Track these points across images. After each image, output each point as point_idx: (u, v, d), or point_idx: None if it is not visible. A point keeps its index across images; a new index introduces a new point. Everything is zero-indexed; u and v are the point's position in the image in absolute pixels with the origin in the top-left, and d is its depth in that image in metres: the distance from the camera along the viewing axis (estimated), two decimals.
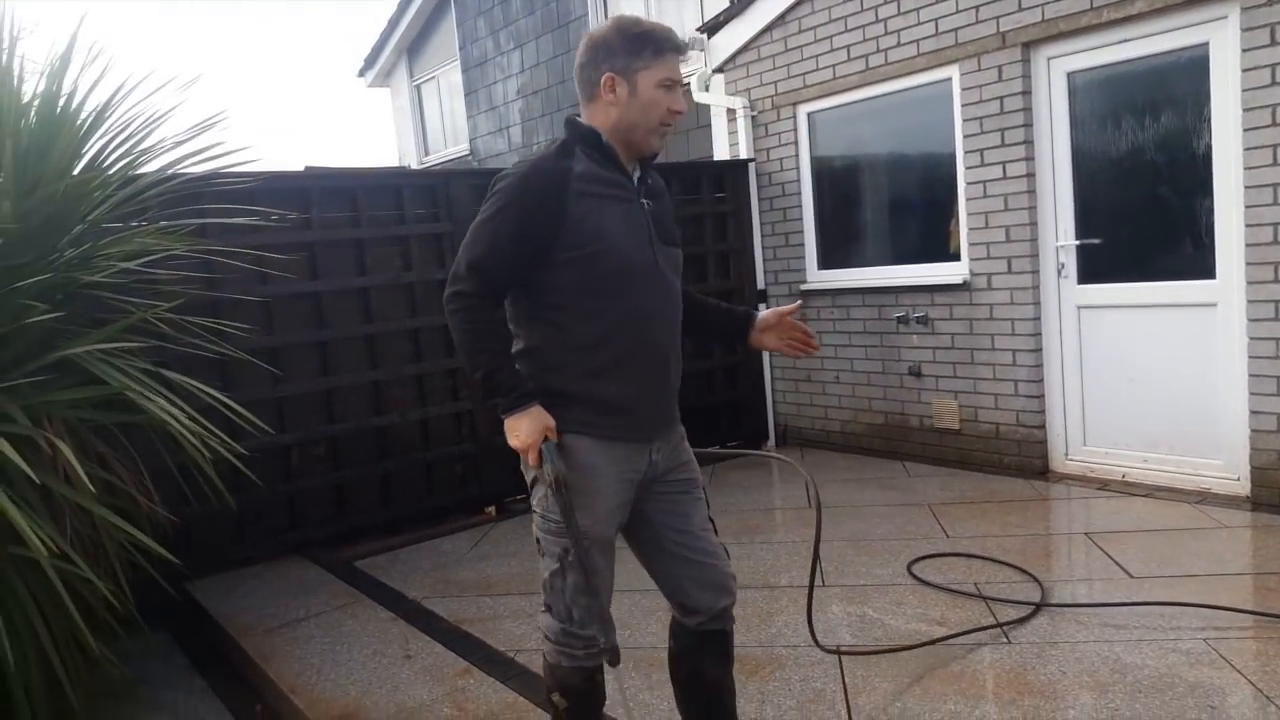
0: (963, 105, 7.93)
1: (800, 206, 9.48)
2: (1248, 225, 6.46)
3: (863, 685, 4.45)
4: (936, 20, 7.95)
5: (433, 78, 18.24)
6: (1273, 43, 6.22)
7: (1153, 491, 7.08)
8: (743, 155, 9.77)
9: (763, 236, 9.85)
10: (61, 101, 4.79)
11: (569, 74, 10.43)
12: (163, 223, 5.68)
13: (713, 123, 10.27)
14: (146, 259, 5.24)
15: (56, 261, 4.71)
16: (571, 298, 3.22)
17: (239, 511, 6.26)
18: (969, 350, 8.20)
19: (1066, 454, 7.79)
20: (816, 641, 4.72)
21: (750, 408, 9.85)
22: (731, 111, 9.84)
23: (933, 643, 4.81)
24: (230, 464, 5.00)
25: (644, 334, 3.28)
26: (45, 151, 4.65)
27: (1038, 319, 7.71)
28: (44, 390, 4.29)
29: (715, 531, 3.59)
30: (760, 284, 9.84)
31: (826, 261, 9.42)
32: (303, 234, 7.03)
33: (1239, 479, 6.80)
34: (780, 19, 9.22)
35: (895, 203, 8.93)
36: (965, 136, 7.95)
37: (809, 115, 9.29)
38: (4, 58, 4.64)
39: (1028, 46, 7.44)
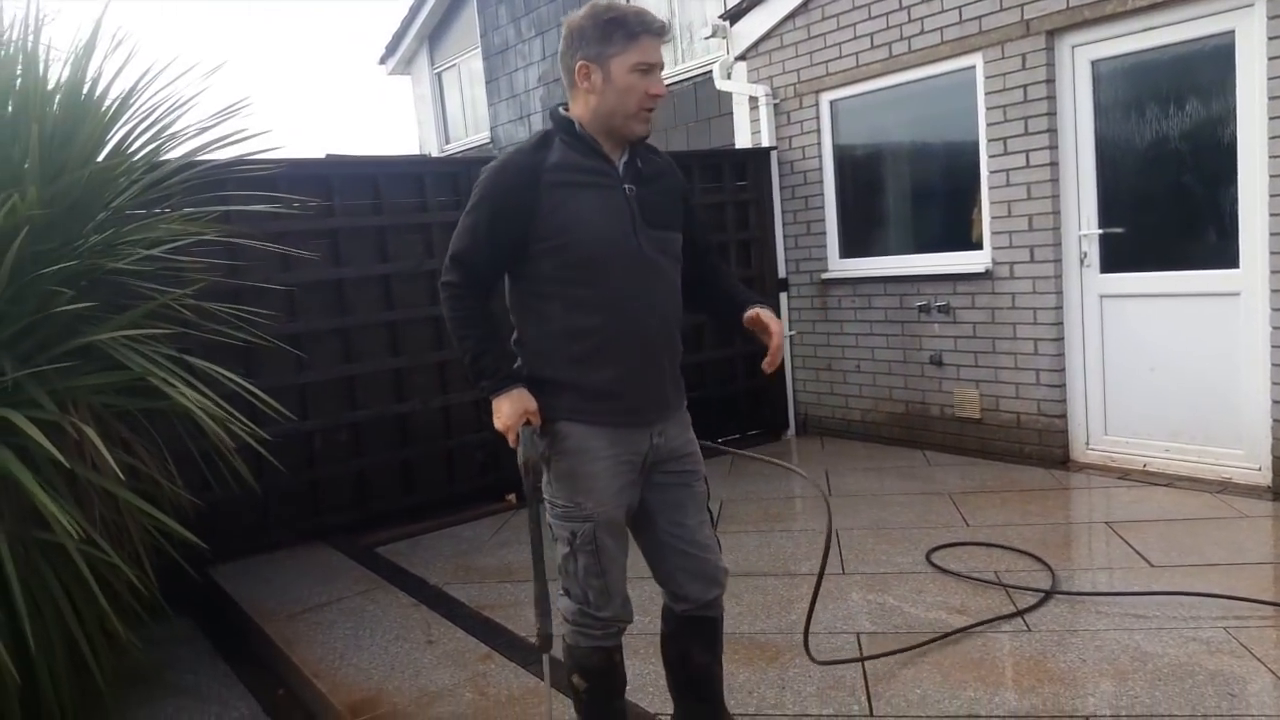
0: (986, 93, 7.90)
1: (822, 195, 9.46)
2: (1271, 214, 6.42)
3: (882, 672, 4.46)
4: (960, 8, 7.92)
5: (454, 65, 18.25)
6: None
7: (1174, 481, 7.06)
8: (765, 143, 9.75)
9: (784, 225, 9.84)
10: (86, 88, 4.80)
11: None
12: (186, 209, 5.70)
13: (734, 110, 10.26)
14: (170, 245, 5.25)
15: (81, 248, 4.72)
16: (552, 286, 3.27)
17: (262, 497, 6.31)
18: (990, 339, 8.17)
19: (1087, 443, 7.76)
20: (810, 654, 4.71)
21: (770, 396, 9.84)
22: (754, 99, 9.83)
23: (950, 634, 4.82)
24: (253, 450, 5.01)
25: (626, 319, 3.29)
26: (70, 138, 4.66)
27: (1060, 308, 7.69)
28: (69, 376, 4.31)
29: (714, 523, 3.65)
30: (782, 272, 9.83)
31: (848, 250, 9.41)
32: (325, 221, 7.07)
33: (1260, 469, 6.77)
34: (803, 6, 9.19)
35: (917, 191, 8.92)
36: (988, 125, 7.92)
37: (831, 103, 9.27)
38: (29, 43, 4.66)
39: (1052, 34, 7.41)
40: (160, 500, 4.71)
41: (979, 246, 8.23)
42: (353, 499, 7.35)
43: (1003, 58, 7.70)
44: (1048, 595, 5.17)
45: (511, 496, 7.80)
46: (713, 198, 9.38)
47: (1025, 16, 7.50)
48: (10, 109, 4.57)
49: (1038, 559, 5.69)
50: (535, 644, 3.51)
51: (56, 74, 4.78)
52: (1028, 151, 7.65)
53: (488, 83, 16.53)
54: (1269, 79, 6.34)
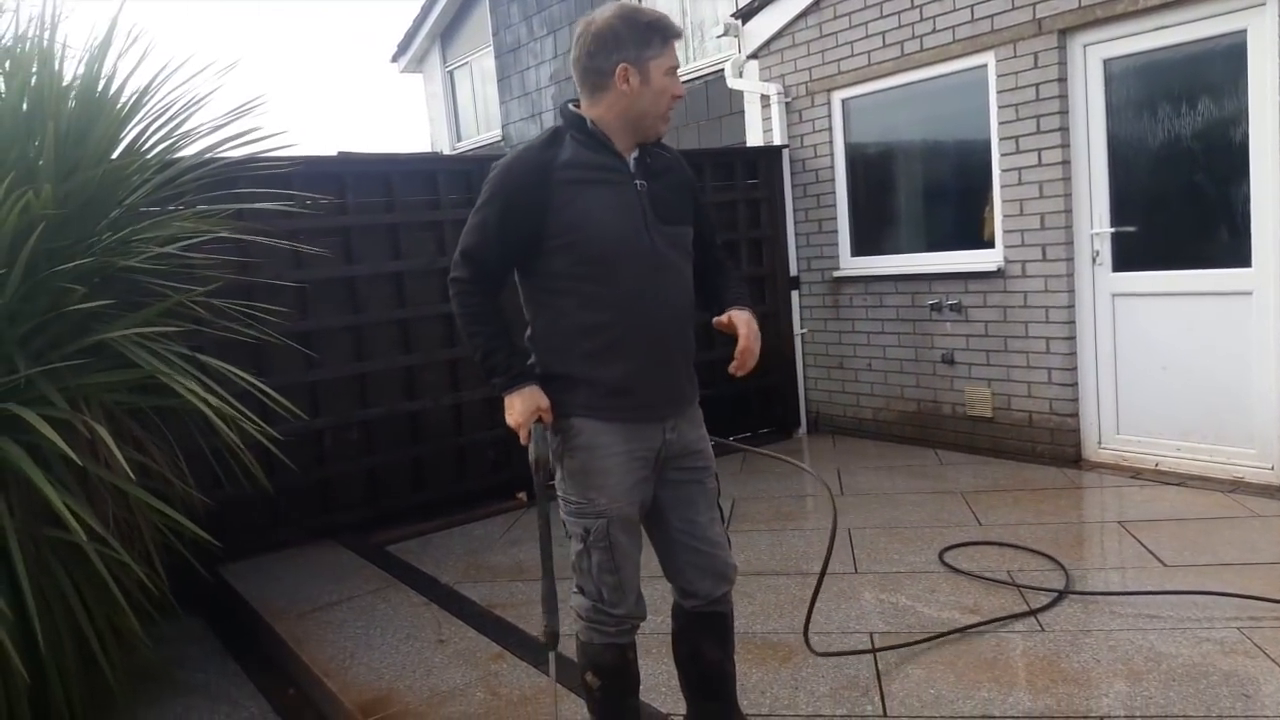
0: (998, 92, 7.89)
1: (834, 193, 9.45)
2: None
3: (896, 672, 4.45)
4: (972, 6, 7.91)
5: (466, 63, 18.25)
6: None
7: (1185, 480, 7.04)
8: (776, 141, 9.74)
9: (796, 223, 9.83)
10: (101, 85, 4.81)
11: None
12: (199, 207, 5.70)
13: (746, 109, 10.26)
14: (183, 243, 5.26)
15: (94, 245, 4.72)
16: (565, 282, 3.28)
17: (273, 495, 6.28)
18: (1002, 338, 8.16)
19: (1100, 442, 7.75)
20: (809, 646, 4.72)
21: (782, 394, 9.84)
22: (765, 97, 9.82)
23: (965, 629, 4.82)
24: (264, 448, 5.01)
25: (639, 314, 3.30)
26: (85, 135, 4.67)
27: (1072, 307, 7.67)
28: (81, 373, 4.31)
29: (723, 519, 3.65)
30: (793, 270, 9.83)
31: (860, 248, 9.40)
32: (338, 218, 7.06)
33: (1273, 468, 6.76)
34: (815, 4, 9.19)
35: (929, 189, 8.91)
36: (1000, 123, 7.91)
37: (843, 101, 9.26)
38: (45, 40, 4.67)
39: (1064, 33, 7.40)
40: (171, 498, 4.71)
41: (991, 245, 8.21)
42: (364, 497, 7.35)
43: (1015, 56, 7.69)
44: (1061, 595, 5.15)
45: (522, 494, 7.81)
46: (724, 196, 9.37)
47: (1037, 15, 7.48)
48: (25, 106, 4.58)
49: (1051, 558, 5.68)
50: (542, 641, 3.50)
51: (72, 71, 4.80)
52: (1040, 150, 7.64)
53: (499, 81, 16.54)
54: None
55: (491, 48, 16.72)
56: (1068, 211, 7.56)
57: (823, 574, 4.76)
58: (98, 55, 4.77)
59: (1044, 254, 7.73)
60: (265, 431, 4.87)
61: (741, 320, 3.49)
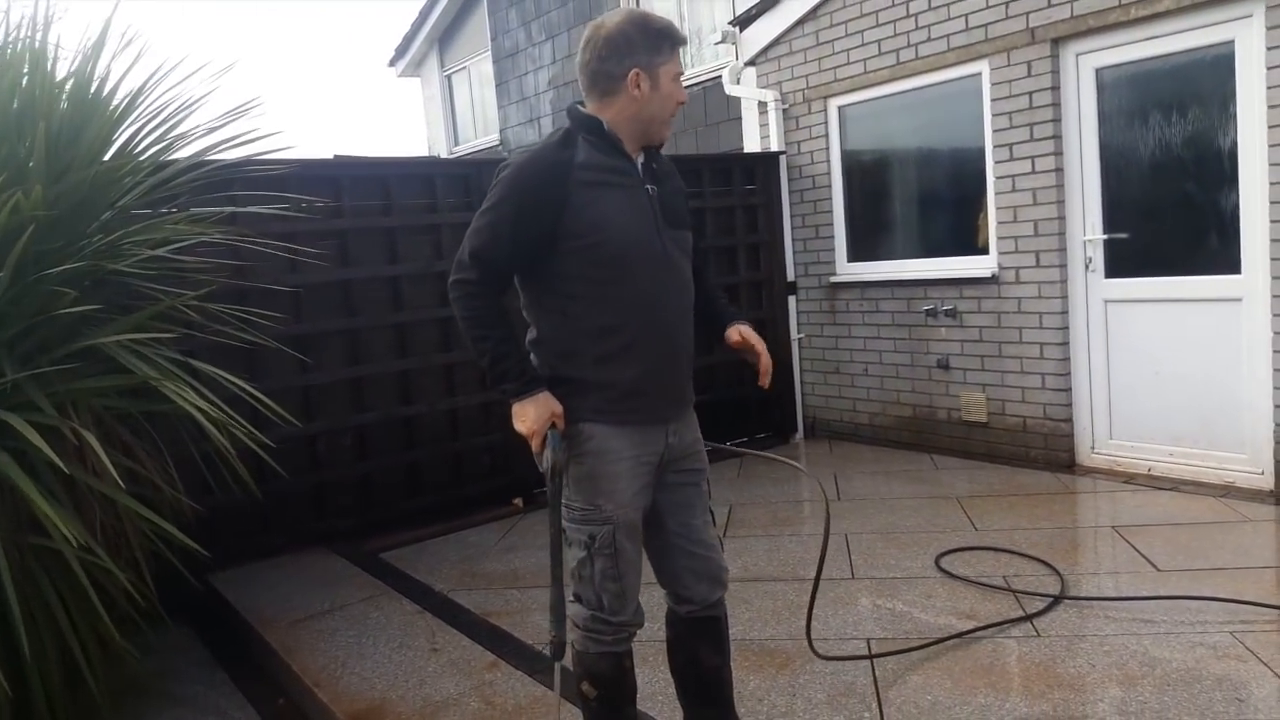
0: (992, 100, 7.91)
1: (830, 199, 9.47)
2: (1272, 221, 6.45)
3: (893, 678, 4.44)
4: (967, 15, 7.93)
5: (464, 68, 18.26)
6: None
7: (1178, 485, 7.06)
8: (774, 148, 9.76)
9: (793, 229, 9.84)
10: (94, 86, 4.77)
11: None
12: (193, 210, 5.66)
13: (743, 115, 10.27)
14: (175, 246, 5.21)
15: (85, 248, 4.68)
16: (580, 285, 3.25)
17: (264, 502, 6.21)
18: (997, 344, 8.17)
19: (1093, 447, 7.76)
20: (813, 650, 4.71)
21: (779, 400, 9.82)
22: (763, 104, 9.84)
23: (962, 634, 4.82)
24: (255, 454, 4.95)
25: (653, 318, 3.30)
26: (77, 136, 4.63)
27: (1065, 313, 7.69)
28: (70, 378, 4.27)
29: (714, 522, 3.64)
30: (790, 276, 9.83)
31: (856, 254, 9.41)
32: (333, 222, 7.03)
33: (1263, 473, 6.78)
34: (812, 13, 9.20)
35: (924, 196, 8.91)
36: (994, 131, 7.93)
37: (839, 109, 9.27)
38: (37, 40, 4.64)
39: (1057, 42, 7.42)
40: (160, 505, 4.66)
41: (985, 251, 8.23)
42: (357, 503, 7.30)
43: (1009, 65, 7.71)
44: (1056, 600, 5.16)
45: (518, 500, 7.78)
46: (722, 201, 9.38)
47: (1031, 25, 7.51)
48: (16, 105, 4.55)
49: (1046, 563, 5.68)
50: (549, 651, 3.46)
51: (64, 72, 4.76)
52: (1033, 158, 7.66)
53: (497, 85, 16.55)
54: (1268, 88, 6.38)
55: (490, 52, 16.74)
56: (1061, 218, 7.58)
57: (818, 578, 4.75)
58: (91, 56, 4.74)
59: (1037, 260, 7.74)
60: (257, 437, 4.83)
61: (755, 337, 3.59)
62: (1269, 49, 6.34)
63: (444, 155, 18.26)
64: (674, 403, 3.44)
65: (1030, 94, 7.62)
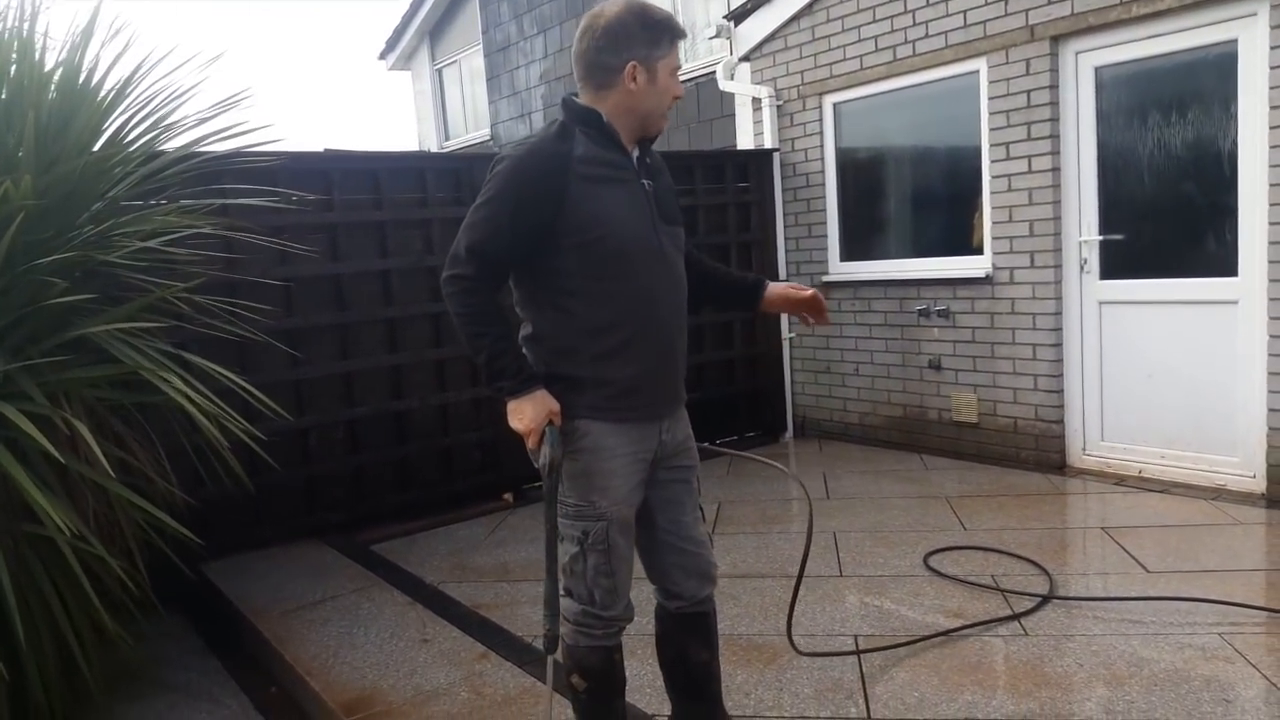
0: (989, 98, 7.89)
1: (824, 197, 9.45)
2: (1271, 223, 6.43)
3: (880, 674, 4.44)
4: (965, 12, 7.91)
5: (455, 62, 18.22)
6: None
7: (1169, 487, 7.06)
8: (767, 145, 9.73)
9: (786, 227, 9.83)
10: (83, 76, 4.76)
11: None
12: (183, 201, 5.63)
13: (737, 111, 10.25)
14: (166, 238, 5.20)
15: (75, 239, 4.67)
16: (579, 281, 3.22)
17: (256, 494, 6.23)
18: (989, 344, 8.16)
19: (1084, 449, 7.76)
20: (794, 645, 4.72)
21: (769, 399, 9.83)
22: (757, 100, 9.81)
23: (948, 631, 4.82)
24: (247, 446, 4.95)
25: (651, 314, 3.30)
26: (66, 126, 4.62)
27: (1059, 314, 7.68)
28: (62, 369, 4.27)
29: (704, 518, 3.65)
30: (782, 274, 9.79)
31: (849, 253, 9.39)
32: (324, 215, 7.02)
33: (1255, 476, 6.78)
34: (808, 8, 9.18)
35: (919, 195, 8.90)
36: (991, 130, 7.91)
37: (835, 105, 9.25)
38: (25, 30, 4.63)
39: (1056, 40, 7.40)
40: (153, 496, 4.67)
41: (979, 251, 8.22)
42: (348, 496, 7.30)
43: (1006, 63, 7.69)
44: (1044, 600, 5.16)
45: (508, 495, 7.79)
46: (715, 198, 9.36)
47: (1030, 22, 7.48)
48: (5, 95, 4.54)
49: (1034, 563, 5.68)
50: (542, 645, 3.46)
51: (53, 61, 4.75)
52: (1030, 157, 7.64)
53: (488, 79, 16.50)
54: (1271, 88, 6.35)
55: (481, 46, 16.68)
56: (1056, 219, 7.57)
57: (800, 574, 4.75)
58: (80, 46, 4.73)
59: (1032, 261, 7.73)
60: (248, 430, 4.83)
61: (795, 287, 3.77)
62: (1273, 48, 6.31)
63: (435, 150, 18.21)
64: (669, 400, 3.44)
65: (1028, 92, 7.60)
